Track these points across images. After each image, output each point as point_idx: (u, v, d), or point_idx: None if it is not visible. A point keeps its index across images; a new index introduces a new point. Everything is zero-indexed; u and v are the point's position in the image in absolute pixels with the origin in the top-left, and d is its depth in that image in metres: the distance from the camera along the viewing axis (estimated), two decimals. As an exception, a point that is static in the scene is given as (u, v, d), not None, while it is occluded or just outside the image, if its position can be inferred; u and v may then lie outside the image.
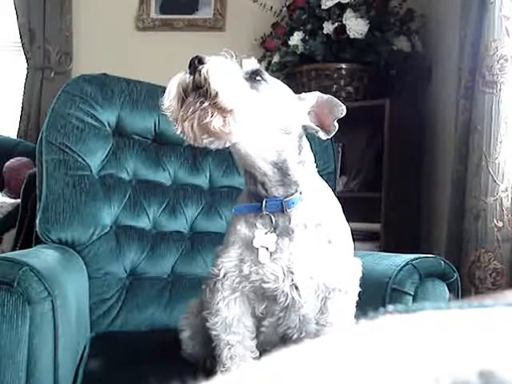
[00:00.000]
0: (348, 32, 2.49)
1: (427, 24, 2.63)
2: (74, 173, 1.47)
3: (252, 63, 0.91)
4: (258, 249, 0.95)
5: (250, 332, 1.02)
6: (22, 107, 3.16)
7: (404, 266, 1.22)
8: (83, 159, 1.49)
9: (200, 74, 0.83)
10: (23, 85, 3.17)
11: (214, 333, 1.01)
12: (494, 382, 0.21)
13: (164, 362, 1.18)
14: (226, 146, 0.89)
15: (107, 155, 1.55)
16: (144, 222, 1.59)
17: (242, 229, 0.98)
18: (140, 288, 1.52)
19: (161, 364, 1.17)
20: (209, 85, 0.83)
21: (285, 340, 1.05)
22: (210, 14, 3.11)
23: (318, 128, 0.97)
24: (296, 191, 0.96)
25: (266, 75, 0.92)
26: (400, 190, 2.47)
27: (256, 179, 0.96)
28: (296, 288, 0.96)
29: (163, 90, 0.89)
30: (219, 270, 0.98)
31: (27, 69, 3.16)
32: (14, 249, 1.99)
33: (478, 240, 1.73)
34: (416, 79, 2.65)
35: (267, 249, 0.95)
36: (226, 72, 0.85)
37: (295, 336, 1.03)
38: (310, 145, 1.00)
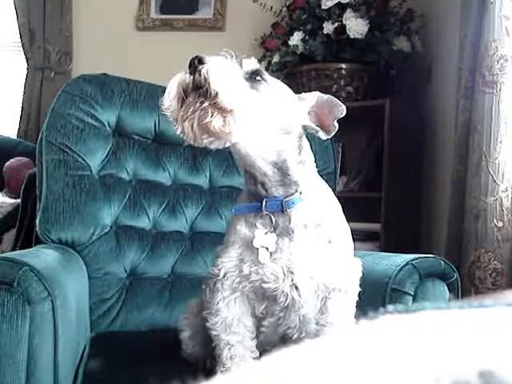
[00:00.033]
0: (348, 32, 2.49)
1: (427, 24, 2.63)
2: (74, 173, 1.47)
3: (252, 63, 0.91)
4: (258, 249, 0.95)
5: (250, 332, 1.02)
6: (22, 107, 3.16)
7: (404, 266, 1.22)
8: (83, 159, 1.49)
9: (200, 74, 0.83)
10: (23, 85, 3.17)
11: (214, 333, 1.01)
12: (494, 382, 0.21)
13: (164, 362, 1.18)
14: (226, 146, 0.89)
15: (107, 155, 1.55)
16: (144, 222, 1.59)
17: (242, 229, 0.98)
18: (140, 288, 1.52)
19: (161, 364, 1.17)
20: (209, 85, 0.83)
21: (285, 340, 1.05)
22: (210, 14, 3.11)
23: (318, 128, 0.97)
24: (296, 191, 0.96)
25: (266, 75, 0.92)
26: (400, 190, 2.47)
27: (256, 179, 0.96)
28: (296, 288, 0.96)
29: (163, 90, 0.89)
30: (219, 270, 0.98)
31: (27, 69, 3.16)
32: (14, 249, 1.99)
33: (478, 240, 1.73)
34: (416, 79, 2.65)
35: (267, 249, 0.95)
36: (226, 72, 0.85)
37: (295, 336, 1.03)
38: (310, 145, 1.00)
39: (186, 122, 0.86)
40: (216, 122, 0.84)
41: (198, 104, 0.84)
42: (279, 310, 1.00)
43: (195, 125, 0.85)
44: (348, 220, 1.03)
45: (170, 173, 1.65)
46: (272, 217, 0.96)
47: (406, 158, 2.53)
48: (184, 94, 0.86)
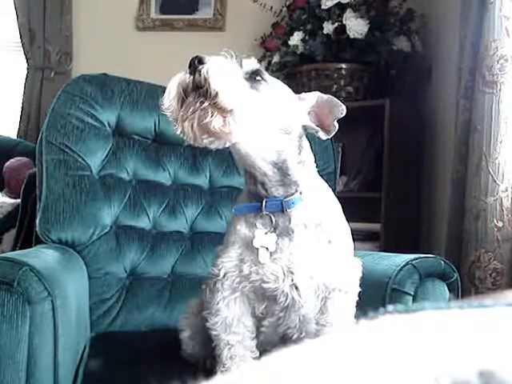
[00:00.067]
0: (348, 32, 2.49)
1: (427, 24, 2.63)
2: (74, 173, 1.47)
3: (252, 63, 0.91)
4: (258, 249, 0.95)
5: (250, 332, 1.02)
6: (22, 107, 3.16)
7: (404, 266, 1.22)
8: (83, 159, 1.49)
9: (200, 74, 0.83)
10: (23, 85, 3.17)
11: (214, 333, 1.01)
12: (494, 382, 0.21)
13: (164, 362, 1.18)
14: (226, 145, 0.89)
15: (107, 155, 1.55)
16: (144, 222, 1.59)
17: (242, 229, 0.98)
18: (140, 288, 1.52)
19: (161, 364, 1.17)
20: (209, 85, 0.83)
21: (285, 340, 1.05)
22: (210, 14, 3.11)
23: (318, 128, 0.97)
24: (296, 191, 0.96)
25: (266, 75, 0.92)
26: (400, 190, 2.47)
27: (256, 179, 0.96)
28: (296, 288, 0.96)
29: (163, 90, 0.89)
30: (219, 270, 0.98)
31: (27, 69, 3.16)
32: (14, 249, 1.99)
33: (478, 240, 1.73)
34: (416, 79, 2.65)
35: (267, 249, 0.95)
36: (225, 72, 0.85)
37: (295, 336, 1.03)
38: (310, 145, 1.00)
39: (186, 122, 0.86)
40: (216, 122, 0.84)
41: (198, 104, 0.84)
42: (279, 310, 1.00)
43: (195, 125, 0.85)
44: (348, 220, 1.03)
45: (169, 173, 1.65)
46: (272, 217, 0.96)
47: (405, 158, 2.53)
48: (184, 94, 0.86)
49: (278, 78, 1.01)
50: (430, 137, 2.60)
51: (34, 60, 3.15)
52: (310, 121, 0.97)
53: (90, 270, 1.45)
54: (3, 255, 1.15)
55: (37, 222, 1.45)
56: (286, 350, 0.25)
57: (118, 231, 1.53)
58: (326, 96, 0.98)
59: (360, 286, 1.02)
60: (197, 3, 3.14)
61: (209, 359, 1.14)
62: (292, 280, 0.95)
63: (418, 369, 0.21)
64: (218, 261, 1.00)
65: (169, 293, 1.54)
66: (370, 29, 2.50)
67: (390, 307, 0.29)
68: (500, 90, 1.69)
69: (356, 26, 2.49)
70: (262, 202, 0.96)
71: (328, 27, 2.54)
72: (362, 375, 0.22)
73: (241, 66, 0.90)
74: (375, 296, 1.21)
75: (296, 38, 2.61)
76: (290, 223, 0.96)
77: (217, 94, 0.83)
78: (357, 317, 1.00)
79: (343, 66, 2.56)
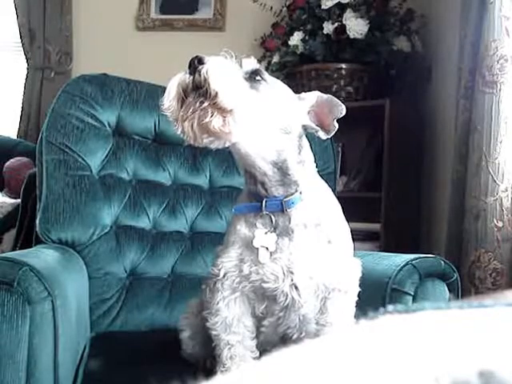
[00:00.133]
0: (348, 32, 2.49)
1: (427, 24, 2.63)
2: (74, 173, 1.47)
3: (252, 63, 0.91)
4: (257, 249, 0.95)
5: (250, 332, 1.02)
6: (22, 107, 3.16)
7: (404, 265, 1.22)
8: (83, 159, 1.49)
9: (200, 74, 0.83)
10: (23, 85, 3.17)
11: (214, 333, 1.01)
12: (494, 382, 0.21)
13: (164, 362, 1.18)
14: (226, 145, 0.89)
15: (107, 155, 1.55)
16: (144, 222, 1.59)
17: (242, 229, 0.98)
18: (140, 288, 1.52)
19: (161, 364, 1.17)
20: (208, 85, 0.83)
21: (285, 340, 1.05)
22: (210, 14, 3.11)
23: (317, 128, 0.97)
24: (296, 191, 0.96)
25: (266, 75, 0.92)
26: (400, 190, 2.47)
27: (256, 179, 0.96)
28: (296, 288, 0.96)
29: (163, 90, 0.89)
30: (219, 270, 0.98)
31: (27, 69, 3.16)
32: (14, 249, 1.99)
33: (477, 240, 1.73)
34: (416, 79, 2.65)
35: (267, 249, 0.95)
36: (225, 72, 0.85)
37: (295, 336, 1.03)
38: (310, 145, 1.00)
39: (186, 121, 0.86)
40: (216, 122, 0.84)
41: (197, 104, 0.84)
42: (279, 310, 1.00)
43: (195, 125, 0.85)
44: (348, 220, 1.03)
45: (170, 173, 1.65)
46: (272, 217, 0.96)
47: (406, 158, 2.53)
48: (184, 94, 0.86)
49: (277, 77, 1.01)
50: (429, 137, 2.60)
51: (33, 60, 3.15)
52: (310, 120, 0.97)
53: (90, 270, 1.45)
54: (3, 255, 1.15)
55: (37, 222, 1.45)
56: (286, 349, 0.25)
57: (118, 231, 1.53)
58: (325, 96, 0.98)
59: (360, 286, 1.02)
60: (197, 3, 3.14)
61: (209, 359, 1.14)
62: (292, 280, 0.95)
63: (417, 369, 0.21)
64: (217, 261, 1.00)
65: (169, 293, 1.54)
66: (370, 29, 2.50)
67: (390, 307, 0.29)
68: (500, 90, 1.69)
69: (356, 26, 2.49)
70: (261, 202, 0.96)
71: (328, 27, 2.54)
72: (362, 375, 0.22)
73: (241, 65, 0.90)
74: (375, 296, 1.21)
75: (296, 38, 2.61)
76: (289, 223, 0.96)
77: (217, 94, 0.83)
78: (357, 317, 1.00)
79: (343, 66, 2.56)
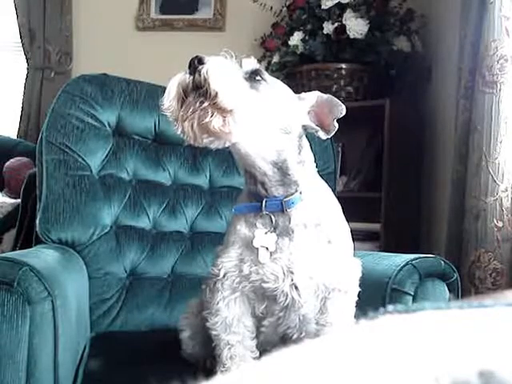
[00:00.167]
0: (348, 32, 2.49)
1: (427, 24, 2.63)
2: (74, 173, 1.47)
3: (252, 63, 0.91)
4: (257, 249, 0.95)
5: (250, 332, 1.02)
6: (22, 107, 3.16)
7: (404, 266, 1.22)
8: (83, 159, 1.49)
9: (200, 74, 0.83)
10: (23, 85, 3.17)
11: (214, 333, 1.01)
12: (494, 382, 0.21)
13: (164, 362, 1.18)
14: (226, 145, 0.89)
15: (107, 155, 1.55)
16: (144, 222, 1.59)
17: (242, 229, 0.98)
18: (140, 288, 1.52)
19: (161, 364, 1.17)
20: (209, 85, 0.83)
21: (285, 340, 1.05)
22: (210, 14, 3.11)
23: (317, 128, 0.97)
24: (296, 191, 0.96)
25: (266, 75, 0.92)
26: (400, 190, 2.47)
27: (256, 179, 0.96)
28: (296, 288, 0.96)
29: (163, 90, 0.89)
30: (219, 270, 0.98)
31: (27, 69, 3.17)
32: (14, 249, 1.99)
33: (478, 240, 1.73)
34: (416, 79, 2.65)
35: (267, 249, 0.95)
36: (225, 72, 0.85)
37: (295, 336, 1.03)
38: (310, 145, 1.00)
39: (186, 121, 0.86)
40: (216, 122, 0.84)
41: (197, 104, 0.84)
42: (279, 310, 1.00)
43: (195, 125, 0.85)
44: (348, 220, 1.03)
45: (170, 173, 1.65)
46: (272, 217, 0.96)
47: (406, 158, 2.53)
48: (184, 94, 0.86)
49: (277, 77, 1.01)
50: (429, 137, 2.60)
51: (33, 60, 3.15)
52: (310, 120, 0.97)
53: (90, 270, 1.45)
54: (3, 255, 1.15)
55: (37, 222, 1.45)
56: (286, 349, 0.25)
57: (118, 231, 1.53)
58: (325, 96, 0.98)
59: (360, 286, 1.02)
60: (197, 3, 3.14)
61: (209, 359, 1.14)
62: (292, 280, 0.95)
63: (417, 369, 0.21)
64: (217, 261, 1.00)
65: (169, 293, 1.54)
66: (370, 29, 2.50)
67: (389, 307, 0.29)
68: (500, 90, 1.69)
69: (356, 26, 2.49)
70: (261, 202, 0.96)
71: (328, 27, 2.54)
72: (362, 375, 0.22)
73: (241, 65, 0.90)
74: (375, 296, 1.21)
75: (296, 38, 2.61)
76: (289, 223, 0.96)
77: (217, 94, 0.83)
78: (357, 317, 1.00)
79: (343, 66, 2.56)
